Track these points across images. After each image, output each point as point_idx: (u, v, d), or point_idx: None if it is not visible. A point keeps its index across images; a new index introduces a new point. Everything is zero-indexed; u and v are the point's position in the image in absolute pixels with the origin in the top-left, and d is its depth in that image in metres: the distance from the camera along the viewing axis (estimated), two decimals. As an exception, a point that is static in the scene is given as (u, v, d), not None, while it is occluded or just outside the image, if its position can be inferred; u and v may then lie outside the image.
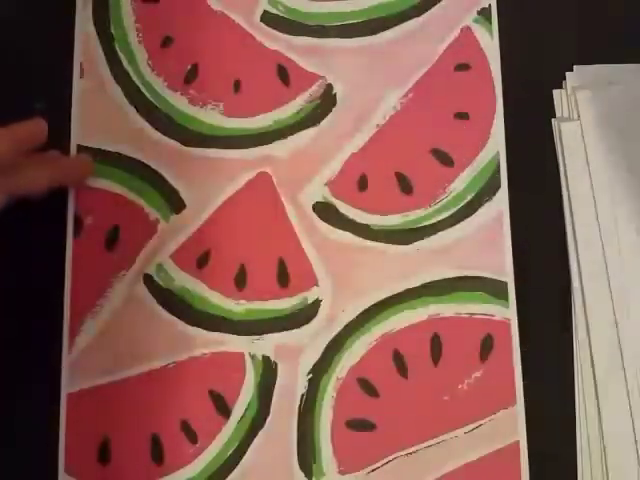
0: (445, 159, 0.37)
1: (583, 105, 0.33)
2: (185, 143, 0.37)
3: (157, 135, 0.37)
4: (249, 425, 0.35)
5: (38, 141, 0.34)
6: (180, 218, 0.37)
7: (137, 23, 0.38)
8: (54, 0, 0.38)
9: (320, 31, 0.38)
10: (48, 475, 0.34)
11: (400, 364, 0.35)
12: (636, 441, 0.33)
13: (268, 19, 0.38)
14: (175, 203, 0.37)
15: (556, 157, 0.35)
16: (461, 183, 0.37)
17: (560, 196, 0.35)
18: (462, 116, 0.37)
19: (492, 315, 0.35)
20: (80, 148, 0.37)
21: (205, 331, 0.36)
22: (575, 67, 0.35)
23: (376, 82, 0.38)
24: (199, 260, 0.36)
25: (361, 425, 0.35)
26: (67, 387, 0.35)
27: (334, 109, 0.37)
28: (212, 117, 0.37)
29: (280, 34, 0.38)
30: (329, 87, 0.38)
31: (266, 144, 0.37)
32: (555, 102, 0.35)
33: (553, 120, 0.35)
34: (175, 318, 0.36)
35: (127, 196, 0.37)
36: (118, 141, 0.37)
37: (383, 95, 0.38)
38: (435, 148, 0.37)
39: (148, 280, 0.36)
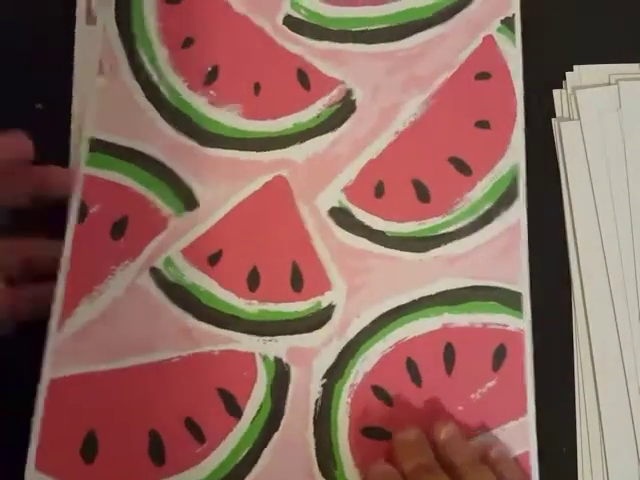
0: (463, 168, 0.37)
1: (583, 105, 0.33)
2: (202, 143, 0.37)
3: (174, 134, 0.37)
4: (263, 426, 0.34)
5: (19, 156, 0.34)
6: (192, 216, 0.36)
7: (159, 22, 0.38)
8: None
9: (342, 36, 0.38)
10: (12, 470, 0.31)
11: (414, 372, 0.34)
12: (636, 441, 0.33)
13: (290, 23, 0.38)
14: (188, 201, 0.36)
15: (556, 157, 0.35)
16: (478, 192, 0.36)
17: (560, 196, 0.35)
18: (482, 125, 0.37)
19: (506, 325, 0.35)
20: (93, 141, 0.37)
21: (215, 327, 0.35)
22: (575, 67, 0.35)
23: (396, 89, 0.37)
24: (210, 258, 0.36)
25: (377, 434, 0.34)
26: (51, 371, 0.34)
27: (353, 115, 0.37)
28: (231, 118, 0.37)
29: (302, 38, 0.38)
30: (349, 92, 0.37)
31: (284, 147, 0.37)
32: (555, 102, 0.35)
33: (553, 120, 0.35)
34: (183, 311, 0.35)
35: (139, 190, 0.36)
36: (133, 137, 0.37)
37: (403, 102, 0.37)
38: (453, 156, 0.37)
39: (155, 272, 0.35)
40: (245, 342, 0.35)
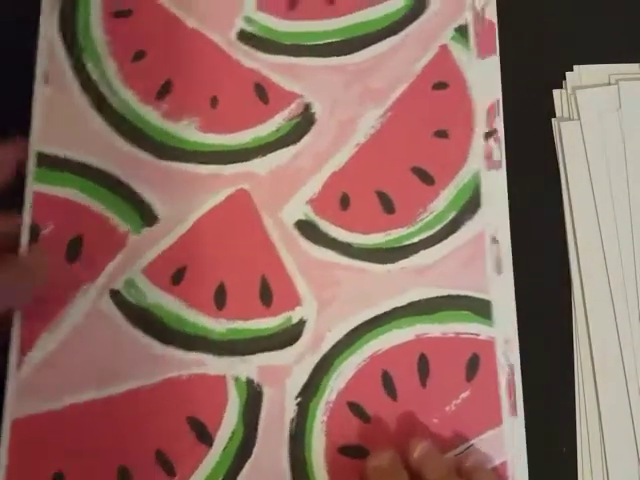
0: (426, 177, 0.37)
1: (583, 105, 0.33)
2: (159, 156, 0.35)
3: (128, 147, 0.35)
4: (234, 455, 0.32)
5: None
6: (152, 232, 0.35)
7: (106, 35, 0.36)
8: (18, 3, 0.36)
9: (296, 50, 0.37)
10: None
11: (389, 386, 0.34)
12: (636, 441, 0.33)
13: (244, 37, 0.37)
14: (147, 217, 0.35)
15: (556, 157, 0.35)
16: (442, 202, 0.36)
17: (560, 196, 0.35)
18: (441, 134, 0.37)
19: (477, 334, 0.35)
20: (41, 156, 0.34)
21: (182, 351, 0.33)
22: (575, 67, 0.35)
23: (354, 101, 0.37)
24: (174, 276, 0.34)
25: (354, 452, 0.33)
26: (14, 412, 0.31)
27: (313, 128, 0.37)
28: (188, 132, 0.36)
29: (257, 52, 0.37)
30: (307, 106, 0.37)
31: (245, 161, 0.36)
32: (555, 102, 0.35)
33: (553, 120, 0.34)
34: (147, 336, 0.33)
35: (93, 207, 0.34)
36: (85, 151, 0.35)
37: (361, 115, 0.37)
38: (416, 166, 0.37)
39: (116, 295, 0.34)
40: (215, 364, 0.33)
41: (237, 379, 0.33)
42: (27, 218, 0.34)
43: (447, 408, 0.34)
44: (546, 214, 0.36)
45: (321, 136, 0.37)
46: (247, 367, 0.33)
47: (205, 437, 0.32)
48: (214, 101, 0.36)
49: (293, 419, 0.33)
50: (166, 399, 0.32)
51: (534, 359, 0.34)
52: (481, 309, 0.35)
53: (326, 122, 0.37)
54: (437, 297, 0.35)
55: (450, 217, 0.36)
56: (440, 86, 0.38)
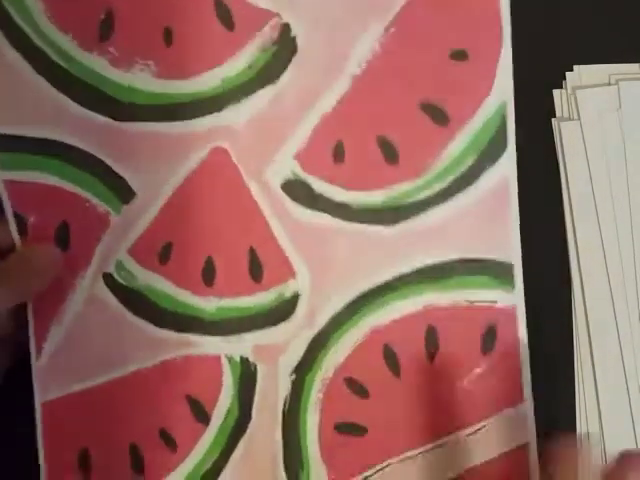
0: (438, 115, 0.29)
1: (583, 105, 0.31)
2: (118, 118, 0.30)
3: (82, 111, 0.30)
4: (230, 432, 0.32)
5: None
6: (132, 209, 0.31)
7: None
8: None
9: None
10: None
11: (392, 362, 0.31)
12: (636, 441, 0.32)
13: None
14: (123, 192, 0.30)
15: (556, 157, 0.32)
16: (458, 145, 0.29)
17: (560, 196, 0.32)
18: (459, 55, 0.29)
19: (494, 302, 0.30)
20: None
21: (175, 333, 0.31)
22: (575, 67, 0.32)
23: (347, 16, 0.29)
24: (160, 255, 0.31)
25: (351, 429, 0.31)
26: (40, 396, 0.32)
27: (294, 59, 0.29)
28: (143, 81, 0.29)
29: None
30: (285, 28, 0.29)
31: (216, 112, 0.30)
32: (555, 102, 0.33)
33: (553, 120, 0.32)
34: (141, 320, 0.31)
35: (67, 188, 0.30)
36: (36, 123, 0.30)
37: (357, 33, 0.29)
38: (427, 102, 0.29)
39: (108, 279, 0.31)
40: (208, 345, 0.31)
41: (231, 358, 0.31)
42: (9, 211, 0.31)
43: (459, 384, 0.31)
44: (546, 214, 0.33)
45: (305, 69, 0.29)
46: (240, 346, 0.31)
47: (202, 416, 0.32)
48: (168, 35, 0.29)
49: (287, 396, 0.31)
50: (164, 381, 0.32)
51: (534, 358, 0.31)
52: (502, 273, 0.30)
53: (312, 48, 0.29)
54: (449, 261, 0.30)
55: (467, 164, 0.29)
56: (459, -11, 0.28)
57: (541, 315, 0.32)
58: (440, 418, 0.31)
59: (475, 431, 0.31)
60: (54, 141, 0.30)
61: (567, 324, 0.32)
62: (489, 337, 0.30)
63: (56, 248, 0.31)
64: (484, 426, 0.31)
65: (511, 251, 0.30)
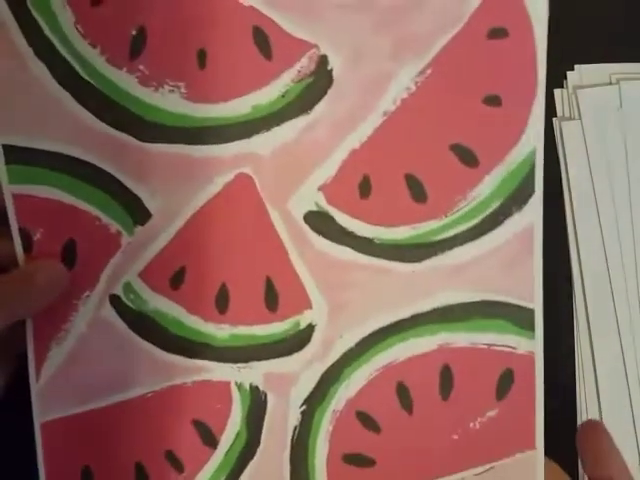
0: (468, 157, 0.29)
1: (584, 104, 0.32)
2: (141, 137, 0.29)
3: (104, 127, 0.29)
4: (238, 455, 0.31)
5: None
6: (146, 230, 0.29)
7: None
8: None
9: None
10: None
11: (405, 398, 0.30)
12: (637, 441, 0.32)
13: None
14: (138, 213, 0.29)
15: (557, 156, 0.33)
16: (486, 188, 0.29)
17: (561, 195, 0.33)
18: (493, 101, 0.28)
19: (514, 347, 0.30)
20: (7, 149, 0.28)
21: (185, 358, 0.30)
22: (576, 66, 0.33)
23: (385, 54, 0.28)
24: (173, 279, 0.30)
25: (359, 460, 0.31)
26: (40, 416, 0.31)
27: (330, 91, 0.28)
28: (171, 102, 0.28)
29: None
30: (323, 60, 0.28)
31: (244, 138, 0.29)
32: (556, 101, 0.34)
33: (554, 119, 0.33)
34: (150, 344, 0.30)
35: (78, 205, 0.29)
36: (54, 138, 0.29)
37: (394, 72, 0.28)
38: (456, 143, 0.29)
39: (116, 301, 0.30)
40: (218, 371, 0.31)
41: (241, 386, 0.31)
42: (14, 225, 0.29)
43: (471, 425, 0.31)
44: (547, 214, 0.32)
45: (340, 102, 0.29)
46: (251, 374, 0.31)
47: (210, 440, 0.31)
48: (202, 56, 0.28)
49: (296, 427, 0.31)
50: (172, 404, 0.31)
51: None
52: (522, 319, 0.30)
53: (347, 82, 0.28)
54: (469, 302, 0.30)
55: (494, 207, 0.29)
56: (498, 33, 0.28)
57: (543, 314, 0.31)
58: (450, 455, 0.31)
59: (483, 472, 0.31)
60: (69, 156, 0.29)
61: (568, 324, 0.33)
62: (505, 382, 0.30)
63: (62, 266, 0.30)
64: (492, 467, 0.31)
65: (533, 297, 0.30)
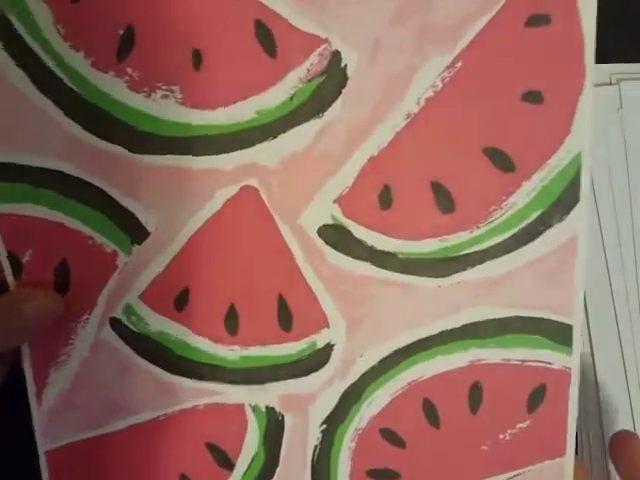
0: (504, 162, 0.25)
1: None
2: (133, 149, 0.25)
3: (92, 139, 0.25)
4: (256, 476, 0.29)
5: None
6: (144, 249, 0.26)
7: None
8: None
9: None
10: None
11: (431, 415, 0.28)
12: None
13: None
14: (135, 231, 0.26)
15: None
16: (524, 196, 0.25)
17: None
18: (533, 97, 0.24)
19: (549, 363, 0.27)
20: None
21: (194, 381, 0.28)
22: None
23: (406, 47, 0.24)
24: (177, 300, 0.27)
25: (384, 474, 0.29)
26: (44, 444, 0.29)
27: (344, 91, 0.25)
28: (165, 108, 0.25)
29: None
30: (335, 56, 0.24)
31: (248, 147, 0.25)
32: None
33: None
34: (155, 367, 0.28)
35: (69, 224, 0.26)
36: (39, 152, 0.25)
37: (417, 67, 0.24)
38: (490, 146, 0.25)
39: (116, 324, 0.27)
40: (231, 393, 0.28)
41: (256, 408, 0.28)
42: (1, 247, 0.26)
43: (501, 436, 0.28)
44: None
45: (356, 103, 0.25)
46: (266, 395, 0.28)
47: (226, 462, 0.29)
48: (197, 57, 0.24)
49: (317, 446, 0.29)
50: (184, 427, 0.29)
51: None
52: (559, 334, 0.27)
53: (363, 81, 0.24)
54: (502, 318, 0.27)
55: (533, 217, 0.26)
56: (538, 21, 0.24)
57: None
58: (477, 465, 0.29)
59: (511, 478, 0.29)
60: (55, 171, 0.25)
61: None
62: (537, 396, 0.28)
63: (54, 293, 0.27)
64: (519, 474, 0.29)
65: (573, 312, 0.27)
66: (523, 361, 0.27)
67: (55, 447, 0.29)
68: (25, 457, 0.30)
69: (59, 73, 0.24)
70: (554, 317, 0.27)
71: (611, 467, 0.32)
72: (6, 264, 0.26)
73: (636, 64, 0.32)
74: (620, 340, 0.31)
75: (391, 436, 0.29)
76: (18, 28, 0.24)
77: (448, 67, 0.24)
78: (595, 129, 0.27)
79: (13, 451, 0.31)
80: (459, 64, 0.24)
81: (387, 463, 0.29)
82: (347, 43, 0.24)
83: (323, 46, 0.24)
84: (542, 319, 0.27)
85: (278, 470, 0.29)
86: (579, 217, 0.26)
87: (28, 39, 0.24)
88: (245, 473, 0.29)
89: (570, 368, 0.27)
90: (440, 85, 0.24)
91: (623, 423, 0.32)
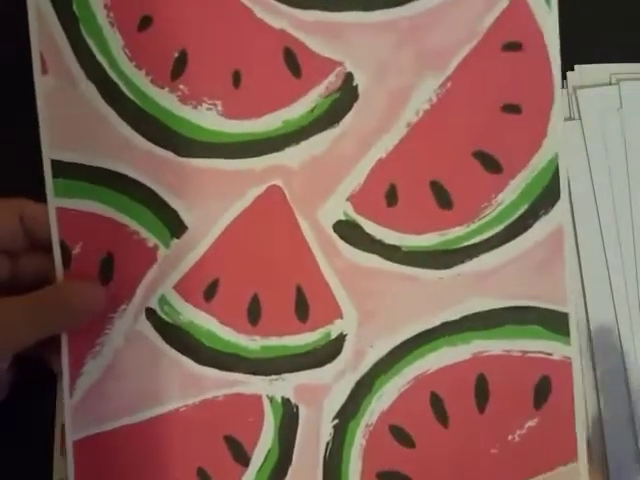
0: (491, 164, 0.29)
1: (584, 105, 0.31)
2: (179, 152, 0.30)
3: (146, 144, 0.30)
4: (270, 474, 0.30)
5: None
6: (182, 243, 0.30)
7: None
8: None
9: (333, 2, 0.29)
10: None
11: (439, 410, 0.29)
12: (635, 434, 0.31)
13: None
14: (175, 226, 0.30)
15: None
16: (511, 193, 0.29)
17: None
18: (512, 109, 0.29)
19: (549, 354, 0.29)
20: (55, 164, 0.29)
21: (218, 371, 0.30)
22: (576, 66, 0.32)
23: (406, 69, 0.29)
24: (207, 291, 0.30)
25: (394, 477, 0.29)
26: (73, 434, 0.30)
27: (356, 105, 0.29)
28: (209, 119, 0.30)
29: (285, 7, 0.30)
30: (349, 77, 0.30)
31: (276, 151, 0.30)
32: None
33: None
34: (184, 357, 0.30)
35: (118, 219, 0.30)
36: (99, 153, 0.30)
37: (415, 85, 0.29)
38: (479, 150, 0.29)
39: (151, 314, 0.30)
40: (250, 383, 0.30)
41: (273, 399, 0.30)
42: (55, 238, 0.30)
43: (510, 437, 0.29)
44: None
45: (366, 115, 0.29)
46: (283, 386, 0.30)
47: (241, 456, 0.30)
48: (237, 77, 0.30)
49: (329, 442, 0.30)
50: (204, 419, 0.30)
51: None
52: (556, 323, 0.29)
53: (372, 97, 0.29)
54: (500, 309, 0.29)
55: (521, 211, 0.29)
56: (512, 47, 0.29)
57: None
58: (488, 471, 0.29)
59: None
60: (113, 171, 0.30)
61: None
62: (542, 390, 0.29)
63: (100, 287, 0.30)
64: None
65: (566, 300, 0.29)
66: (524, 352, 0.29)
67: (82, 437, 0.30)
68: (35, 457, 0.31)
69: (123, 86, 0.30)
70: (549, 306, 0.29)
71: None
72: (57, 254, 0.30)
73: (636, 64, 0.32)
74: (620, 339, 0.31)
75: (401, 434, 0.29)
76: (93, 50, 0.30)
77: (441, 85, 0.29)
78: (595, 129, 0.30)
79: (27, 451, 0.32)
80: (449, 83, 0.29)
81: (397, 465, 0.29)
82: (359, 66, 0.29)
83: (339, 68, 0.30)
84: (537, 308, 0.29)
85: (291, 468, 0.30)
86: (562, 209, 0.29)
87: (99, 57, 0.30)
88: (260, 469, 0.30)
89: (571, 358, 0.29)
90: (435, 99, 0.29)
91: (623, 423, 0.31)
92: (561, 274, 0.29)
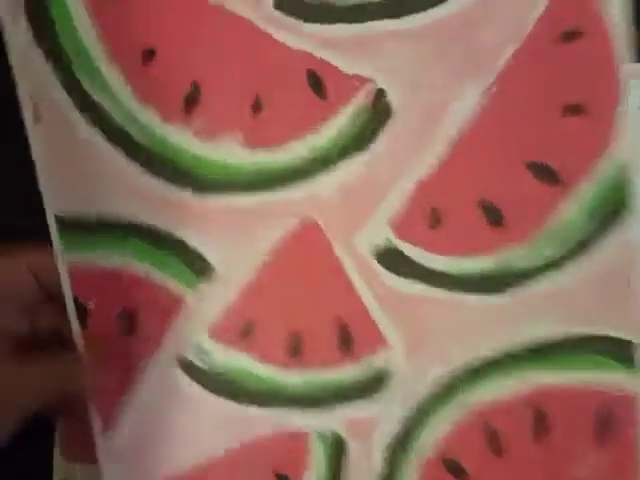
0: (548, 175, 0.26)
1: None
2: (198, 190, 0.27)
3: (160, 186, 0.27)
4: None
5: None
6: (210, 287, 0.28)
7: (99, 30, 0.27)
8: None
9: (359, 13, 0.26)
10: None
11: (494, 442, 0.27)
12: None
13: (285, 5, 0.26)
14: (200, 268, 0.28)
15: None
16: (570, 208, 0.26)
17: None
18: (574, 110, 0.25)
19: (613, 386, 0.26)
20: (59, 220, 0.27)
21: (261, 409, 0.28)
22: None
23: (445, 77, 0.26)
24: (243, 331, 0.28)
25: None
26: None
27: (389, 123, 0.26)
28: (228, 152, 0.27)
29: (308, 25, 0.26)
30: (380, 93, 0.26)
31: (305, 181, 0.27)
32: None
33: None
34: (224, 400, 0.28)
35: (137, 268, 0.28)
36: (110, 202, 0.27)
37: (455, 96, 0.26)
38: (533, 161, 0.26)
39: (184, 363, 0.28)
40: (295, 419, 0.28)
41: (320, 433, 0.28)
42: (69, 297, 0.28)
43: (569, 473, 0.27)
44: None
45: (401, 134, 0.26)
46: (330, 420, 0.28)
47: (292, 491, 0.29)
48: (257, 104, 0.27)
49: (380, 475, 0.28)
50: (252, 459, 0.29)
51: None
52: (621, 353, 0.26)
53: (407, 113, 0.26)
54: (561, 337, 0.26)
55: (583, 229, 0.26)
56: (571, 36, 0.25)
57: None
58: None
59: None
60: (128, 220, 0.28)
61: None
62: (605, 424, 0.26)
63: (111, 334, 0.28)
64: None
65: (633, 328, 0.26)
66: (585, 384, 0.26)
67: None
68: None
69: (130, 129, 0.27)
70: (613, 334, 0.26)
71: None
72: (72, 311, 0.28)
73: (637, 64, 0.31)
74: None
75: (454, 468, 0.28)
76: (87, 86, 0.27)
77: (484, 92, 0.25)
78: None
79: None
80: (494, 88, 0.25)
81: None
82: (390, 82, 0.26)
83: (369, 85, 0.26)
84: (603, 337, 0.26)
85: None
86: (633, 227, 0.25)
87: (97, 96, 0.27)
88: None
89: (637, 392, 0.26)
90: (479, 108, 0.26)
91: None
92: (629, 300, 0.26)
